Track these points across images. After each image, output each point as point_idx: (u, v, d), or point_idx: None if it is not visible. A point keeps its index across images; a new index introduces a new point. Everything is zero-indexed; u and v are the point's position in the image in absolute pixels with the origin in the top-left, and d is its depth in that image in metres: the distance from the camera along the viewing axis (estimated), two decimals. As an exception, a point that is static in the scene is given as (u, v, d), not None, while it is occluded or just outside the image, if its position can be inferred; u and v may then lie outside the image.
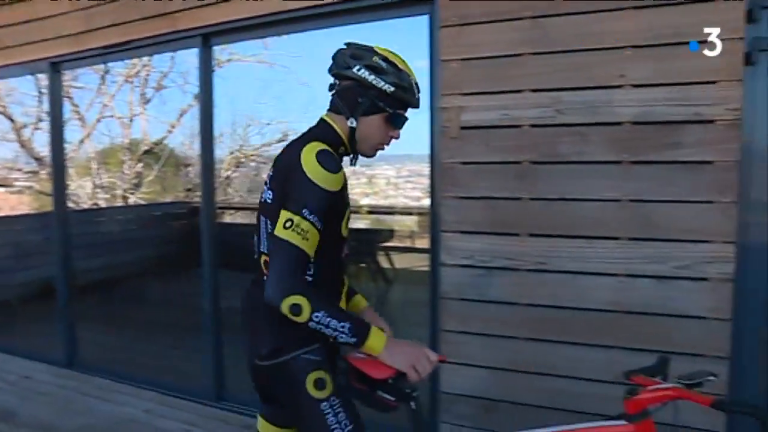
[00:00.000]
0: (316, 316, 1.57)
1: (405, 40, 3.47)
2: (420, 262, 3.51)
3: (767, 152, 2.43)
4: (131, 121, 7.27)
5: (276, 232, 1.62)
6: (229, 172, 6.57)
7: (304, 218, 1.59)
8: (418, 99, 1.82)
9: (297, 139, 1.79)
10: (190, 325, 4.20)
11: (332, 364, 1.77)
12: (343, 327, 1.59)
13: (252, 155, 6.46)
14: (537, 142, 2.67)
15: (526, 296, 2.76)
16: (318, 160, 1.62)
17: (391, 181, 5.72)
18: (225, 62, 5.06)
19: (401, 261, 5.00)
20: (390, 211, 5.52)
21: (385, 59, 1.75)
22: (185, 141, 6.92)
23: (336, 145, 1.76)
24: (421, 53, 3.06)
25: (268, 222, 1.73)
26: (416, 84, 1.80)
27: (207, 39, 3.74)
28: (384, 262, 5.03)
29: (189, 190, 6.50)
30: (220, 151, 6.26)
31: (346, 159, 1.85)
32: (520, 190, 2.73)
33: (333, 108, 1.81)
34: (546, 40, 2.68)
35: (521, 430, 1.83)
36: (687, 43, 2.42)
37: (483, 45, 2.81)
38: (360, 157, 1.84)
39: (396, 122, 1.80)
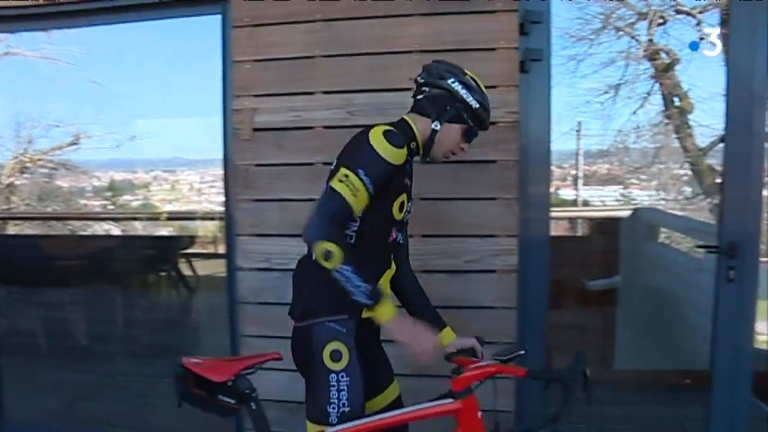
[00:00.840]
0: (343, 268, 1.66)
1: (198, 39, 3.34)
2: (221, 268, 3.39)
3: (540, 152, 2.70)
4: None
5: (331, 183, 1.75)
6: (12, 179, 5.85)
7: (358, 177, 1.72)
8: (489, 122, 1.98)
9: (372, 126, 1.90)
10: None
11: (359, 342, 1.85)
12: (360, 287, 1.67)
13: (40, 159, 5.82)
14: (329, 143, 2.68)
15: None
16: (384, 135, 1.78)
17: (194, 186, 5.55)
18: (2, 55, 4.51)
19: (204, 267, 4.85)
20: (190, 216, 5.36)
21: (474, 80, 1.93)
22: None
23: (407, 139, 1.89)
24: (214, 53, 2.96)
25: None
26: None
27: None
28: (185, 270, 4.83)
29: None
30: (1, 156, 5.58)
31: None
32: (313, 192, 2.71)
33: (417, 110, 1.96)
34: (338, 42, 2.72)
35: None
36: (472, 49, 2.59)
37: (276, 46, 2.78)
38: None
39: (470, 135, 1.96)
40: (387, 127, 1.83)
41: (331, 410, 1.81)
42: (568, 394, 1.64)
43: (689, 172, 8.77)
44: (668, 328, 4.38)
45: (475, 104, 1.92)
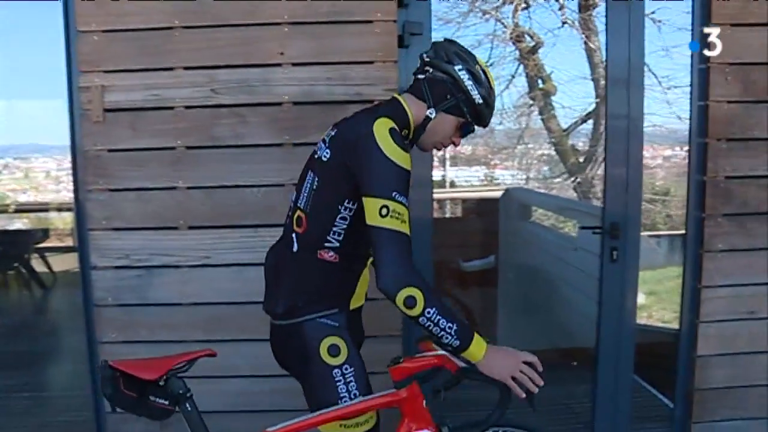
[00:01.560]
0: (429, 312, 1.53)
1: (32, 6, 2.93)
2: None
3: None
4: None
5: (374, 223, 1.56)
6: None
7: (397, 202, 1.55)
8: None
9: (363, 110, 1.82)
10: None
11: (351, 333, 1.76)
12: (450, 328, 1.55)
13: None
14: (192, 125, 2.44)
15: (192, 295, 2.52)
16: (393, 140, 1.58)
17: (51, 174, 5.01)
18: None
19: (60, 263, 4.38)
20: (43, 207, 4.83)
21: (483, 72, 1.75)
22: None
23: (401, 126, 1.70)
24: (54, 22, 2.58)
25: (317, 179, 1.71)
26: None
27: None
28: (38, 266, 4.33)
29: None
30: None
31: None
32: (175, 179, 2.46)
33: (414, 92, 1.77)
34: (201, 13, 2.44)
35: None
36: (347, 22, 2.42)
37: (129, 15, 2.45)
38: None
39: (465, 130, 1.81)
40: (388, 123, 1.62)
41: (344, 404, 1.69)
42: (503, 396, 1.63)
43: (552, 152, 9.25)
44: (547, 307, 4.52)
45: (478, 99, 1.74)
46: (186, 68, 2.42)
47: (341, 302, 1.77)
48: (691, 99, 2.77)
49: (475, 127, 1.81)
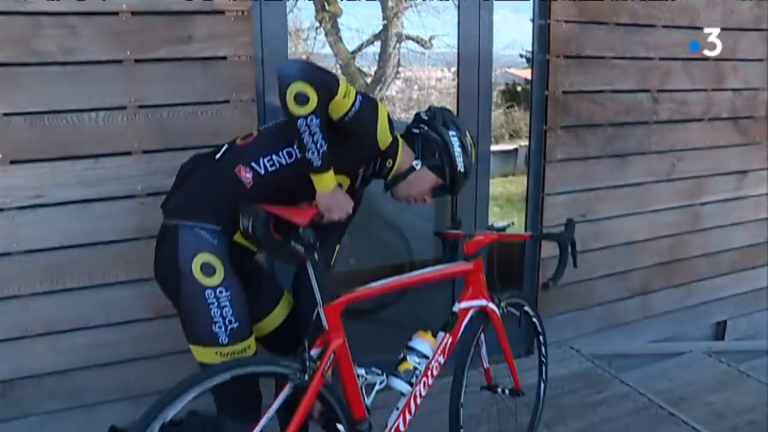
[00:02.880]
0: (313, 120, 1.53)
1: None
2: None
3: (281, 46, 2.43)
4: None
5: None
6: None
7: (355, 99, 1.62)
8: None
9: None
10: None
11: (231, 260, 1.68)
12: (320, 146, 1.56)
13: None
14: (8, 36, 1.98)
15: (23, 241, 2.13)
16: (387, 115, 1.72)
17: None
18: None
19: None
20: None
21: (471, 145, 1.89)
22: None
23: (390, 154, 1.80)
24: None
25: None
26: None
27: None
28: None
29: None
30: None
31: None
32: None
33: (407, 140, 1.86)
34: None
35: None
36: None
37: None
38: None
39: (437, 192, 1.91)
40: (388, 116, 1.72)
41: (217, 330, 1.64)
42: (562, 254, 2.06)
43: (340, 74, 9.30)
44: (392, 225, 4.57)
45: (461, 167, 1.86)
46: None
47: (226, 225, 1.67)
48: (533, 18, 2.90)
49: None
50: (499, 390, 2.15)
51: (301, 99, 1.51)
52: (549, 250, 3.08)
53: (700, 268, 3.61)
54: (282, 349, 1.90)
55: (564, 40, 2.88)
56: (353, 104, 1.62)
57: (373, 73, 4.32)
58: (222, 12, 2.22)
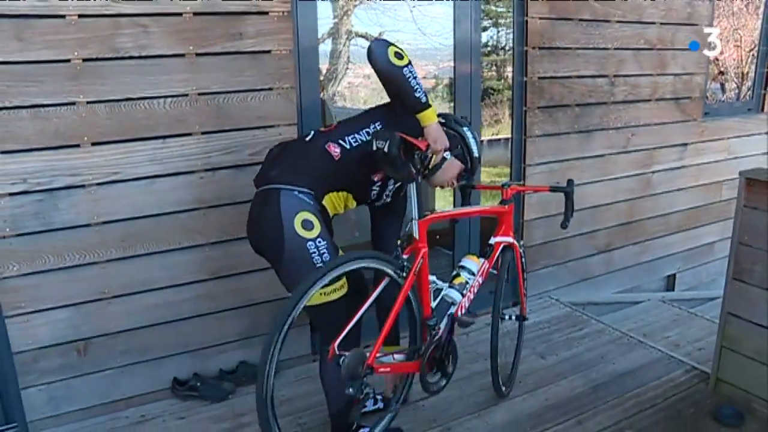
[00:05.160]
0: (411, 68, 2.01)
1: None
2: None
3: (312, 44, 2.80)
4: None
5: None
6: None
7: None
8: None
9: None
10: None
11: (323, 218, 2.04)
12: (421, 87, 2.03)
13: None
14: (90, 35, 2.30)
15: (102, 213, 2.45)
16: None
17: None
18: None
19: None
20: None
21: (479, 137, 2.42)
22: None
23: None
24: None
25: None
26: None
27: None
28: None
29: None
30: None
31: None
32: (74, 94, 2.32)
33: None
34: None
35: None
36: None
37: None
38: None
39: (464, 176, 2.40)
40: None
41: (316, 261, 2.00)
42: (567, 203, 2.53)
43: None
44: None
45: (476, 153, 2.34)
46: (78, -28, 2.25)
47: (319, 191, 2.06)
48: (513, 16, 3.39)
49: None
50: (508, 317, 2.68)
51: (399, 56, 1.98)
52: (530, 213, 3.60)
53: (653, 228, 4.20)
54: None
55: (538, 34, 3.38)
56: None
57: (324, 70, 4.38)
58: (267, 12, 2.58)
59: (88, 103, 2.34)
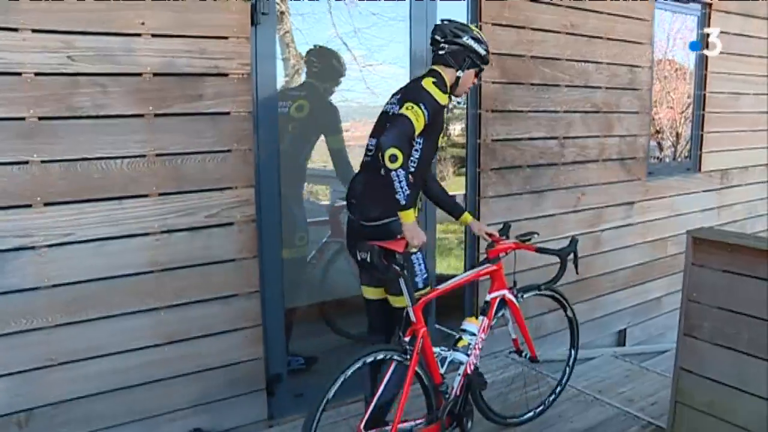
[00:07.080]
0: (400, 173, 2.18)
1: None
2: None
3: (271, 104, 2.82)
4: None
5: (400, 111, 2.28)
6: None
7: (420, 108, 2.28)
8: None
9: (418, 77, 2.50)
10: None
11: None
12: (405, 190, 2.21)
13: None
14: (46, 93, 2.26)
15: (52, 276, 2.36)
16: (434, 84, 2.39)
17: None
18: None
19: None
20: None
21: (479, 33, 2.56)
22: None
23: (440, 85, 2.41)
24: None
25: (388, 124, 2.31)
26: None
27: None
28: None
29: None
30: None
31: None
32: (28, 153, 2.26)
33: (442, 62, 2.51)
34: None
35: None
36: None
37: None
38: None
39: (479, 73, 2.61)
40: (433, 78, 2.41)
41: (418, 280, 2.46)
42: (562, 265, 2.74)
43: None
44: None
45: (483, 52, 2.53)
46: (34, 31, 2.22)
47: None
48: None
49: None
50: (523, 354, 2.95)
51: (393, 158, 2.17)
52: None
53: (603, 285, 4.31)
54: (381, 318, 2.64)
55: (491, 97, 3.51)
56: (425, 116, 2.29)
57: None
58: (226, 74, 2.61)
59: (42, 162, 2.29)
